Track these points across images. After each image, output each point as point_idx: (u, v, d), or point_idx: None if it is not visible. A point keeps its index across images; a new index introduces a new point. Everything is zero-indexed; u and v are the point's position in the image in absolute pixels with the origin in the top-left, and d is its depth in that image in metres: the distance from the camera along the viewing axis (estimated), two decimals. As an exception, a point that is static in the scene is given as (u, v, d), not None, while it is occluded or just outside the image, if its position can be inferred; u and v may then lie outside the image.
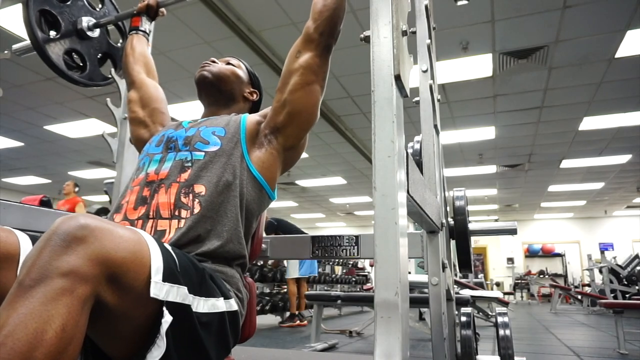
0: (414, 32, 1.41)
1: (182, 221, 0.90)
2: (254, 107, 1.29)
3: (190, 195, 0.93)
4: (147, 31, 1.48)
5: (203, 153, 1.00)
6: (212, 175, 0.96)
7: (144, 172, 1.01)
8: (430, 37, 1.44)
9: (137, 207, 0.95)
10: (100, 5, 1.68)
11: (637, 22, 3.60)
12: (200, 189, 0.94)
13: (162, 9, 1.52)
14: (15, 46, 1.61)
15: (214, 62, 1.22)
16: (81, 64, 1.62)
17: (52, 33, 1.51)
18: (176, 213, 0.91)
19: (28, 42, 1.46)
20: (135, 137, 1.26)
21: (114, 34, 1.71)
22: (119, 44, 1.70)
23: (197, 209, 0.92)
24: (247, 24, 3.76)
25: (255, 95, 1.28)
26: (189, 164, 0.98)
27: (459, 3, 0.95)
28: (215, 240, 0.91)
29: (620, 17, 3.55)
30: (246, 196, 1.00)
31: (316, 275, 5.51)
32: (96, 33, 1.62)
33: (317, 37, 1.05)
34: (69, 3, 1.55)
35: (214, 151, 1.00)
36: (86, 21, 1.57)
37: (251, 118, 1.10)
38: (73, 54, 1.57)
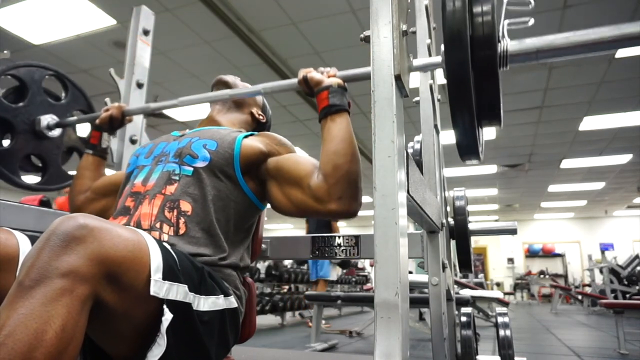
0: (414, 32, 1.40)
1: (164, 235, 0.88)
2: (259, 130, 1.26)
3: (175, 211, 0.91)
4: (107, 147, 1.33)
5: (192, 168, 0.96)
6: (198, 194, 0.93)
7: (131, 183, 1.00)
8: (430, 37, 1.44)
9: (117, 216, 0.94)
10: (64, 94, 1.54)
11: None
12: (186, 207, 0.91)
13: (129, 117, 1.39)
14: None
15: (236, 77, 1.26)
16: (40, 166, 1.47)
17: (7, 136, 1.37)
18: (157, 225, 0.89)
19: None
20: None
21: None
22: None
23: (182, 229, 0.89)
24: (247, 24, 3.76)
25: (262, 118, 1.27)
26: (176, 177, 0.95)
27: (468, 163, 0.94)
28: (216, 256, 0.91)
29: (620, 17, 3.54)
30: (234, 214, 0.98)
31: (327, 277, 5.27)
32: (58, 131, 1.48)
33: (334, 204, 0.90)
34: (23, 103, 1.40)
35: (203, 167, 0.96)
36: (46, 121, 1.42)
37: (251, 141, 1.02)
38: (32, 156, 1.43)
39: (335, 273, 5.21)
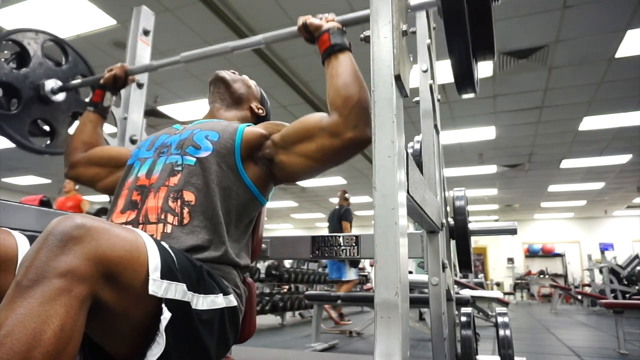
0: (414, 32, 1.40)
1: (169, 226, 0.88)
2: (259, 122, 1.26)
3: (179, 201, 0.91)
4: (108, 106, 1.37)
5: (194, 159, 0.97)
6: (201, 183, 0.94)
7: (134, 175, 1.00)
8: (430, 37, 1.43)
9: (125, 210, 0.94)
10: (64, 60, 1.56)
11: (637, 22, 3.60)
12: (189, 197, 0.92)
13: (132, 76, 1.41)
14: None
15: (233, 73, 1.26)
16: (49, 130, 1.50)
17: (14, 102, 1.38)
18: (162, 217, 0.90)
19: None
20: (114, 182, 1.16)
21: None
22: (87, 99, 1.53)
23: (186, 219, 0.90)
24: (247, 24, 3.76)
25: (262, 111, 1.27)
26: (179, 168, 0.96)
27: (465, 96, 0.94)
28: (214, 251, 0.91)
29: (620, 17, 3.54)
30: (236, 205, 0.98)
31: (342, 278, 4.93)
32: (62, 95, 1.50)
33: (350, 132, 0.89)
34: (27, 69, 1.42)
35: (205, 157, 0.97)
36: (50, 85, 1.44)
37: (252, 129, 1.04)
38: (39, 121, 1.46)
39: (352, 273, 5.04)
